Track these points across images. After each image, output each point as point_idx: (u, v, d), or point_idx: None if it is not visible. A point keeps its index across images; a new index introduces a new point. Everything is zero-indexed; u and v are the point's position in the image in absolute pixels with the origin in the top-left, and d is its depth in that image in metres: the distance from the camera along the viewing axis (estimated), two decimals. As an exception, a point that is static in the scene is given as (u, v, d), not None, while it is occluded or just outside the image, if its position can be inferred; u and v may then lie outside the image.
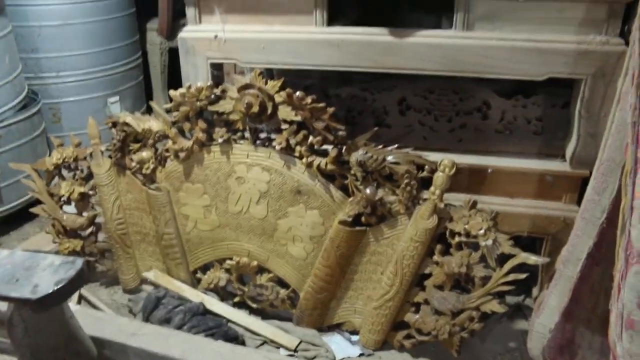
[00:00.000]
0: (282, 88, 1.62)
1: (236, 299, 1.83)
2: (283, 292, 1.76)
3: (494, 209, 1.57)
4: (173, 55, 2.84)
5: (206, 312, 1.73)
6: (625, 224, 1.10)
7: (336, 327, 1.76)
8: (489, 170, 1.72)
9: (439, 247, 1.57)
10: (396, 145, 1.61)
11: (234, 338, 1.64)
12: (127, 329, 1.57)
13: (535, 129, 1.78)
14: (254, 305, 1.81)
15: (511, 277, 1.48)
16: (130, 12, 2.65)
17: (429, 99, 1.83)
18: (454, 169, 1.52)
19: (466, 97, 1.80)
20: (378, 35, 1.65)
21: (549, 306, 1.39)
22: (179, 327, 1.65)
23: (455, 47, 1.60)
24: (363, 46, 1.66)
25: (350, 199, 1.62)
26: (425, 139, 1.82)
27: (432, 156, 1.61)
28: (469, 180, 1.75)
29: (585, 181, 1.59)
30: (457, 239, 1.53)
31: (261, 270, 1.78)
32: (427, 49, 1.61)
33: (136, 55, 2.76)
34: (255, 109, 1.64)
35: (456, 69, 1.62)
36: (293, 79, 1.86)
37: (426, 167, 1.56)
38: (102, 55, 2.53)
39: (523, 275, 1.47)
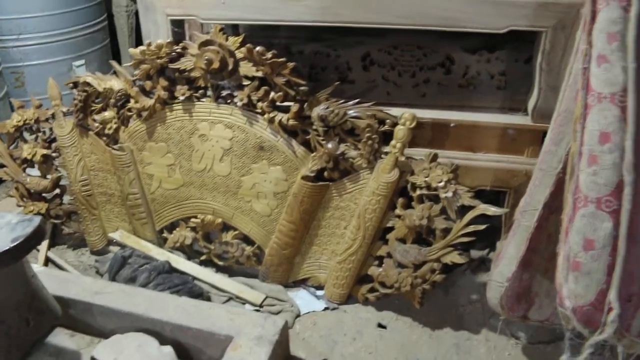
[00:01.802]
0: (243, 44, 1.60)
1: (203, 257, 1.84)
2: (248, 249, 1.77)
3: (456, 163, 1.58)
4: (140, 18, 2.77)
5: (172, 270, 1.74)
6: (574, 169, 1.12)
7: (302, 283, 1.77)
8: (452, 125, 1.72)
9: (400, 200, 1.58)
10: (358, 100, 1.61)
11: (199, 294, 1.64)
12: (92, 288, 1.57)
13: (498, 84, 1.78)
14: (221, 263, 1.82)
15: (471, 228, 1.50)
16: (92, -27, 2.59)
17: (393, 54, 1.82)
18: (415, 122, 1.53)
19: (430, 52, 1.80)
20: (342, -11, 1.63)
21: (507, 256, 1.41)
22: (144, 285, 1.65)
23: (418, 0, 1.58)
24: (329, 1, 1.63)
25: (313, 154, 1.62)
26: (388, 94, 1.82)
27: (395, 111, 1.61)
28: (432, 135, 1.75)
29: (546, 134, 1.60)
30: (418, 191, 1.55)
31: (226, 227, 1.79)
32: (391, 2, 1.60)
33: (101, 17, 2.70)
34: (216, 65, 1.62)
35: (420, 23, 1.60)
36: (259, 38, 1.84)
37: (387, 120, 1.56)
38: (65, 17, 2.48)
39: (482, 226, 1.49)
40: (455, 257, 1.53)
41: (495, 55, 1.77)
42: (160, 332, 1.47)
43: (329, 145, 1.58)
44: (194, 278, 1.75)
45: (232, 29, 2.04)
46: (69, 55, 2.54)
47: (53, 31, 2.46)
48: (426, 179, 1.52)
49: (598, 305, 1.06)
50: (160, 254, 1.80)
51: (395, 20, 1.61)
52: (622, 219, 1.04)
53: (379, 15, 1.61)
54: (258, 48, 1.59)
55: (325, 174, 1.63)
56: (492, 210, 1.48)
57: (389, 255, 1.63)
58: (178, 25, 1.82)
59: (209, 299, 1.67)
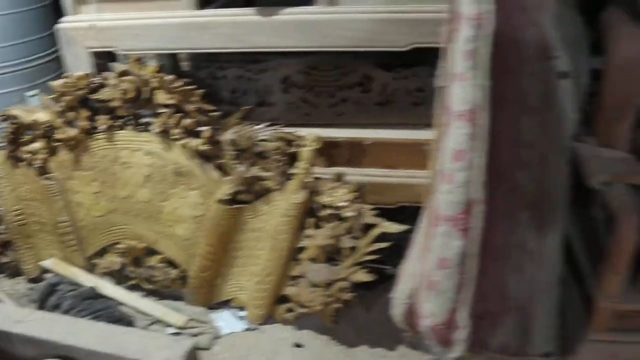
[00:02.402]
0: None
1: (131, 282, 1.87)
2: (174, 272, 1.80)
3: (376, 181, 1.61)
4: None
5: (98, 296, 1.77)
6: (434, 187, 1.13)
7: (226, 304, 1.79)
8: (367, 143, 1.74)
9: (310, 220, 1.60)
10: (270, 123, 1.64)
11: (119, 319, 1.67)
12: (14, 317, 1.60)
13: (415, 100, 1.80)
14: (149, 287, 1.85)
15: (375, 246, 1.51)
16: (43, 5, 2.65)
17: (313, 75, 1.84)
18: (318, 143, 1.55)
19: (348, 71, 1.82)
20: (246, 15, 1.66)
21: (406, 272, 1.42)
22: (68, 312, 1.69)
23: (320, 22, 1.61)
24: (233, 27, 1.67)
25: (226, 178, 1.65)
26: (307, 115, 1.84)
27: (314, 131, 1.64)
28: (350, 154, 1.76)
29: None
30: (325, 211, 1.57)
31: (152, 252, 1.82)
32: (293, 26, 1.63)
33: (54, 47, 2.76)
34: (132, 94, 1.67)
35: (323, 44, 1.63)
36: (201, 62, 1.90)
37: (294, 142, 1.59)
38: (17, 48, 2.52)
39: (385, 244, 1.50)
40: (362, 276, 1.54)
41: (411, 71, 1.78)
42: (76, 358, 1.51)
43: (240, 169, 1.61)
44: (119, 303, 1.78)
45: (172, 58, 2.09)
46: (22, 85, 2.59)
47: (4, 63, 2.52)
48: (331, 198, 1.54)
49: (451, 324, 1.07)
50: (89, 280, 1.83)
51: (299, 43, 1.63)
52: (474, 237, 1.06)
53: (284, 39, 1.64)
54: (168, 77, 1.64)
55: (240, 196, 1.65)
56: (393, 227, 1.49)
57: (304, 275, 1.64)
58: (102, 57, 1.87)
59: (130, 323, 1.70)
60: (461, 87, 1.10)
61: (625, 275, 1.32)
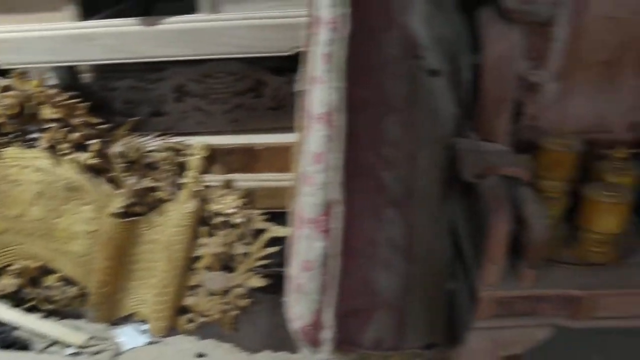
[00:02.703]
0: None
1: (30, 303, 1.82)
2: (72, 290, 1.76)
3: (270, 185, 1.61)
4: None
5: (-8, 320, 1.72)
6: (297, 191, 1.15)
7: (128, 319, 1.77)
8: (259, 148, 1.74)
9: (204, 229, 1.59)
10: (160, 133, 1.63)
11: (12, 344, 1.63)
12: None
13: (308, 103, 1.81)
14: (49, 307, 1.80)
15: (267, 251, 1.52)
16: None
17: (207, 83, 1.84)
18: (206, 151, 1.55)
19: (241, 77, 1.82)
20: (130, 25, 1.64)
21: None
22: (-41, 339, 1.63)
23: (203, 30, 1.61)
24: (117, 38, 1.64)
25: (118, 191, 1.63)
26: (201, 123, 1.83)
27: (209, 139, 1.64)
28: (244, 160, 1.77)
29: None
30: (216, 219, 1.56)
31: (49, 271, 1.77)
32: (177, 34, 1.62)
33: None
34: (16, 110, 1.62)
35: (207, 52, 1.63)
36: (99, 74, 1.86)
37: (182, 152, 1.58)
38: None
39: (276, 248, 1.51)
40: (257, 281, 1.55)
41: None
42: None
43: (131, 181, 1.59)
44: (14, 327, 1.73)
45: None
46: None
47: None
48: (220, 206, 1.54)
49: (318, 324, 1.08)
50: (-17, 305, 1.78)
51: (183, 51, 1.63)
52: (335, 237, 1.07)
53: (168, 49, 1.63)
54: (52, 91, 1.60)
55: (133, 209, 1.63)
56: (283, 231, 1.50)
57: (201, 284, 1.64)
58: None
59: (25, 347, 1.66)
60: (320, 90, 1.12)
61: (502, 264, 1.36)
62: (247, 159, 1.77)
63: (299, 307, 1.09)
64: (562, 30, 1.57)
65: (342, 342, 1.10)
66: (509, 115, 1.60)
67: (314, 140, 1.10)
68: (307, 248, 1.08)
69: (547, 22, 1.53)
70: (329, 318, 1.06)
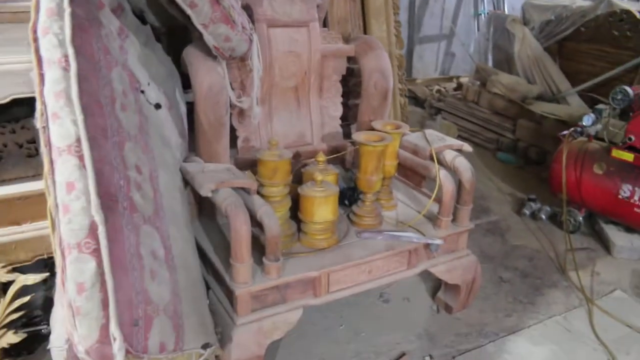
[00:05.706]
0: None
1: None
2: None
3: (3, 241, 1.53)
4: None
5: None
6: (54, 221, 1.19)
7: None
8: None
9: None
10: None
11: None
12: None
13: (29, 152, 1.78)
14: None
15: (17, 303, 1.46)
16: None
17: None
18: None
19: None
20: None
21: (57, 319, 1.41)
22: None
23: None
24: None
25: None
26: None
27: None
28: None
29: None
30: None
31: None
32: None
33: None
34: None
35: None
36: None
37: None
38: None
39: (26, 298, 1.47)
40: (11, 338, 1.47)
41: (19, 124, 1.76)
42: None
43: None
44: None
45: None
46: None
47: None
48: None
49: (104, 339, 1.13)
50: None
51: None
52: (103, 255, 1.14)
53: None
54: None
55: None
56: (32, 278, 1.47)
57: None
58: None
59: None
60: (59, 124, 1.18)
61: (249, 262, 1.58)
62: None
63: (81, 330, 1.11)
64: (255, 64, 1.90)
65: (130, 352, 1.15)
66: (227, 139, 1.86)
67: (63, 171, 1.16)
68: (78, 271, 1.12)
69: (244, 57, 1.84)
70: (115, 330, 1.11)
